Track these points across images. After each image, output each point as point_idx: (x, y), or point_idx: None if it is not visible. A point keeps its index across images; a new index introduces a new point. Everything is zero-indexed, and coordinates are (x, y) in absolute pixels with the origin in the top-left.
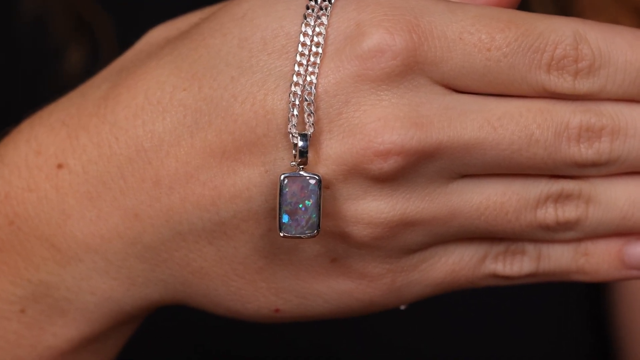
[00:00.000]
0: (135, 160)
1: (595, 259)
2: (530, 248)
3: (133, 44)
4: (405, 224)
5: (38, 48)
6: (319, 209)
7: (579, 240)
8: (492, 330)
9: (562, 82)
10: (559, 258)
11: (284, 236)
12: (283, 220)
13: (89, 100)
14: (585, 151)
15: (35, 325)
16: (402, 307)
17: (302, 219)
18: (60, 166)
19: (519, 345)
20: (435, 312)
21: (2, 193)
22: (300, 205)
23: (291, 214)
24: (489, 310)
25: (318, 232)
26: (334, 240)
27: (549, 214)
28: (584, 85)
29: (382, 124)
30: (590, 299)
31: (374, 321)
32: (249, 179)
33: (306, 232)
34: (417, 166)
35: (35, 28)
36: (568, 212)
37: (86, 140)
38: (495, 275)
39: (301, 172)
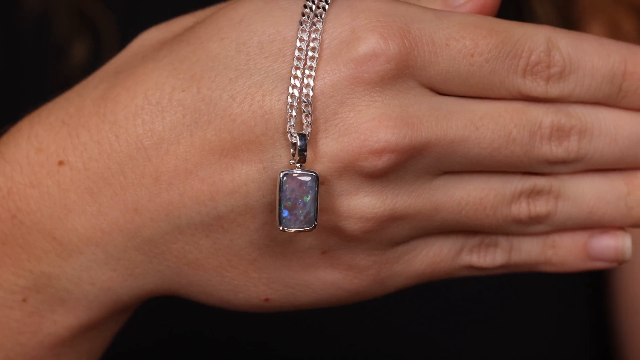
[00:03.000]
0: (136, 157)
1: (562, 251)
2: (502, 241)
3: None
4: (393, 218)
5: (41, 44)
6: (317, 204)
7: (547, 233)
8: (491, 325)
9: (536, 86)
10: (529, 250)
11: (283, 230)
12: (283, 215)
13: (87, 100)
14: (556, 149)
15: (36, 314)
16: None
17: (301, 214)
18: (61, 163)
19: (519, 338)
20: (440, 302)
21: (5, 189)
22: (299, 201)
23: (290, 209)
24: (490, 306)
25: (315, 226)
26: (326, 233)
27: (523, 208)
28: (555, 89)
29: (376, 123)
30: (590, 297)
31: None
32: (247, 175)
33: (304, 226)
34: (406, 163)
35: (38, 24)
36: (539, 206)
37: (87, 138)
38: (471, 267)
39: (300, 170)
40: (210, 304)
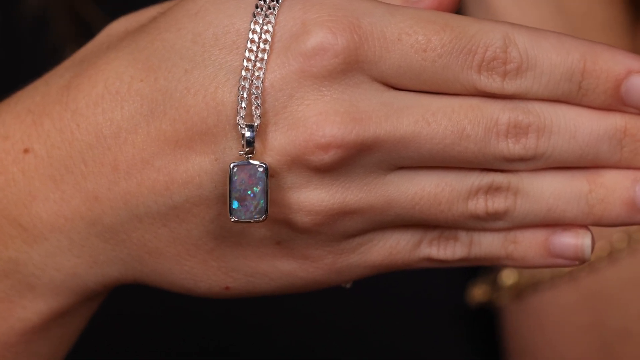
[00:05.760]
0: (95, 146)
1: (523, 247)
2: (462, 235)
3: None
4: (344, 212)
5: (38, 48)
6: (267, 196)
7: (508, 229)
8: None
9: (492, 82)
10: (490, 245)
11: (234, 221)
12: (233, 206)
13: (52, 88)
14: (513, 146)
15: (6, 299)
16: (348, 286)
17: (251, 205)
18: (26, 151)
19: None
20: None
21: None
22: (249, 192)
23: (240, 200)
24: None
25: (266, 217)
26: (278, 225)
27: (480, 204)
28: (511, 85)
29: (323, 118)
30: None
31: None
32: (200, 167)
33: (255, 216)
34: (356, 158)
35: (36, 28)
36: (497, 203)
37: (50, 127)
38: (430, 259)
39: (249, 161)
40: (174, 292)
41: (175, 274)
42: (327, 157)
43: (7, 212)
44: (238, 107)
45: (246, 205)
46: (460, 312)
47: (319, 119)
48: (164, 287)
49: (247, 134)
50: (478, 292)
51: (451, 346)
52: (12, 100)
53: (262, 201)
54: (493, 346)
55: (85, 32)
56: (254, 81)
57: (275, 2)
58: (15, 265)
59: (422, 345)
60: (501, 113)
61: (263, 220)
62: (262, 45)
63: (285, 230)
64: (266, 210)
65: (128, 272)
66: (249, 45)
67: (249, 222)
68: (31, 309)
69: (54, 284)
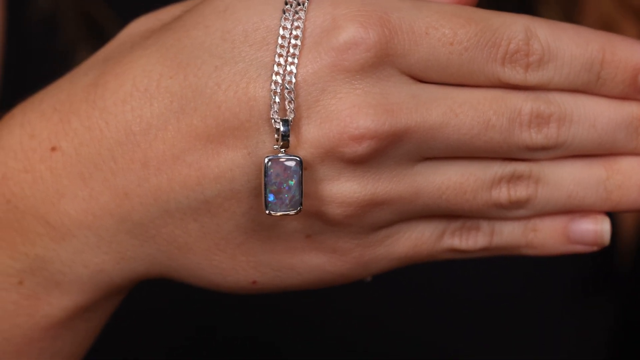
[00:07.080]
0: (125, 143)
1: (543, 235)
2: (484, 224)
3: None
4: (374, 204)
5: (48, 49)
6: (301, 188)
7: (528, 217)
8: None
9: (515, 74)
10: (510, 233)
11: (270, 214)
12: (269, 199)
13: (77, 87)
14: (536, 136)
15: (33, 296)
16: (368, 279)
17: (286, 198)
18: (53, 149)
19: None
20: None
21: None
22: (284, 185)
23: (276, 193)
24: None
25: (301, 209)
26: (310, 218)
27: (503, 193)
28: (534, 77)
29: (356, 110)
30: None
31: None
32: (232, 161)
33: (290, 209)
34: (387, 149)
35: (47, 29)
36: (519, 191)
37: (77, 125)
38: (453, 250)
39: (283, 155)
40: (201, 287)
41: (204, 268)
42: (360, 148)
43: (35, 210)
44: (272, 102)
45: (281, 199)
46: (479, 306)
47: (352, 111)
48: (191, 281)
49: (282, 128)
50: None
51: (471, 339)
52: (35, 100)
53: (297, 194)
54: (511, 339)
55: (97, 33)
56: (287, 76)
57: None
58: (42, 262)
59: (440, 336)
60: (524, 104)
61: (298, 213)
62: (293, 41)
63: (316, 222)
64: (301, 202)
65: (155, 267)
66: (279, 41)
67: (286, 214)
68: (57, 305)
69: (81, 281)
